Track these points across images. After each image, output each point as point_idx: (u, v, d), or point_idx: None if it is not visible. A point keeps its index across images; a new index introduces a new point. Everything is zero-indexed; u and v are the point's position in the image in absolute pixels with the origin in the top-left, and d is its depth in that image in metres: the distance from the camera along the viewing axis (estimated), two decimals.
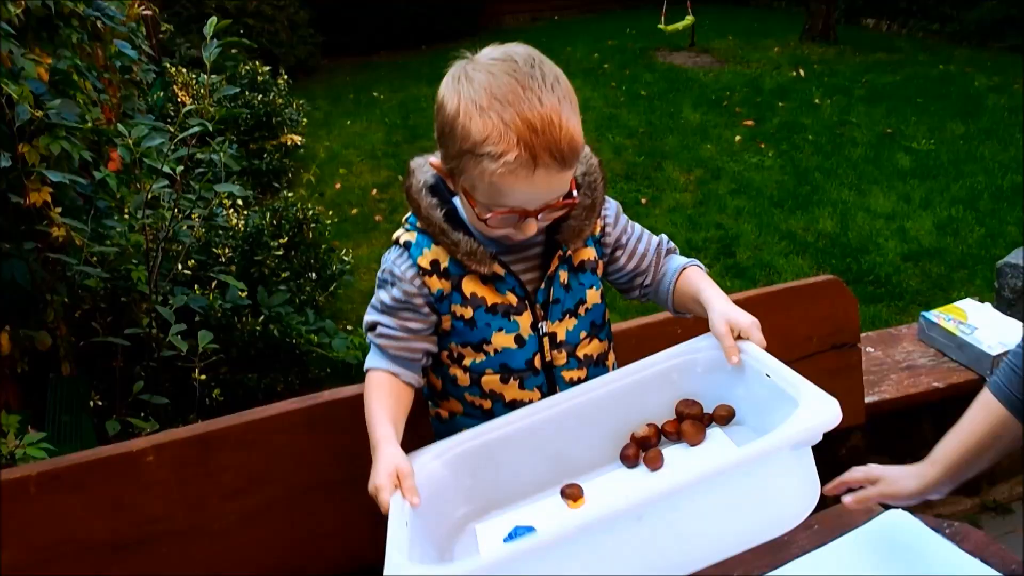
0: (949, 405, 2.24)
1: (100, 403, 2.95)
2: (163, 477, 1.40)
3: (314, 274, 3.79)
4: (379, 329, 1.25)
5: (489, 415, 1.27)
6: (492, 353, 1.25)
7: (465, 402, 1.30)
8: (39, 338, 2.75)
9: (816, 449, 1.99)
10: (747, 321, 1.20)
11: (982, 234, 4.50)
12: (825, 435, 1.07)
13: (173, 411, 2.96)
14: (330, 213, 4.53)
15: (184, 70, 5.25)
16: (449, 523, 1.18)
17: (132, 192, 2.93)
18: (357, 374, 3.80)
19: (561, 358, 1.27)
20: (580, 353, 1.29)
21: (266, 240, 3.55)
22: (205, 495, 1.43)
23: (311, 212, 3.79)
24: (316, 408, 1.49)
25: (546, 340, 1.26)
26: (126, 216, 2.89)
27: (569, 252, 1.25)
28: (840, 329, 1.88)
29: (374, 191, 5.49)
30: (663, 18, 8.45)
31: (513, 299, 1.24)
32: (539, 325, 1.25)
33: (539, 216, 1.14)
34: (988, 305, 2.31)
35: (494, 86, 1.06)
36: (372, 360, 1.26)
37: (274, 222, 3.68)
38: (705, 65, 8.14)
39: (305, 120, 6.17)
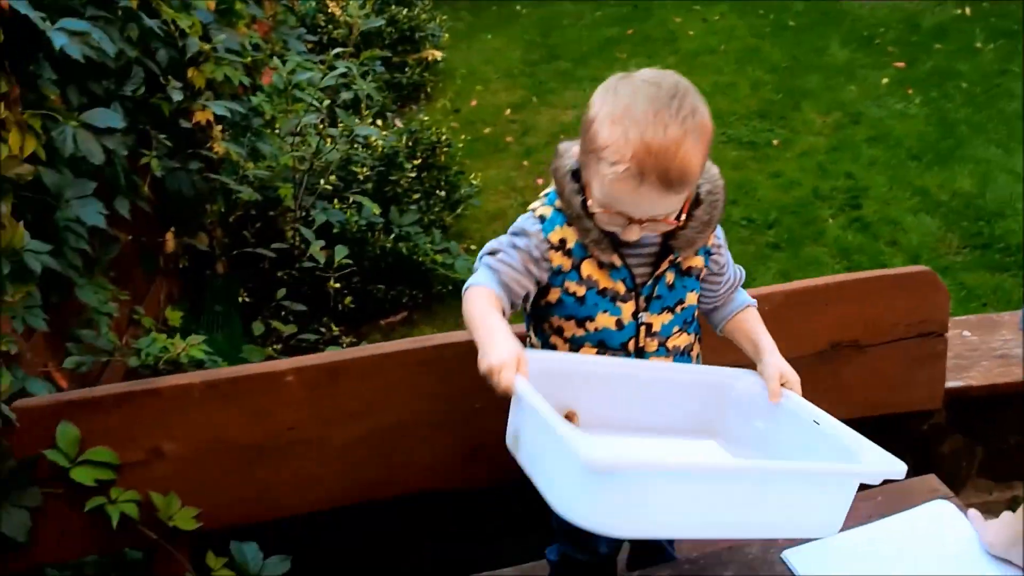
0: None
1: (248, 300, 3.31)
2: (299, 396, 1.66)
3: (444, 194, 4.03)
4: (500, 255, 1.39)
5: None
6: (593, 330, 1.43)
7: None
8: (198, 238, 3.10)
9: (898, 424, 2.09)
10: (796, 377, 1.42)
11: None
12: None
13: (310, 316, 3.30)
14: (462, 136, 4.71)
15: None
16: None
17: (282, 114, 3.20)
18: None
19: (652, 345, 1.44)
20: (670, 344, 1.46)
21: (401, 161, 3.79)
22: (331, 414, 1.69)
23: (444, 136, 3.99)
24: (428, 350, 1.71)
25: (642, 328, 1.43)
26: (277, 135, 3.17)
27: (680, 259, 1.41)
28: (929, 319, 1.94)
29: (507, 111, 5.63)
30: None
31: (622, 288, 1.41)
32: (639, 314, 1.42)
33: (642, 224, 1.29)
34: None
35: (632, 104, 1.22)
36: (480, 278, 1.38)
37: (409, 144, 3.91)
38: None
39: (447, 35, 6.31)
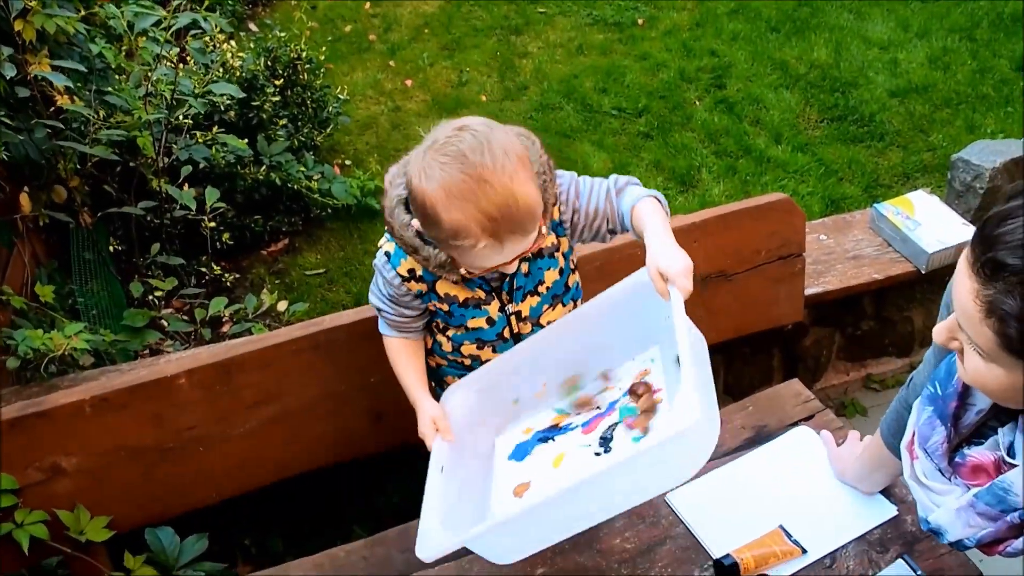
0: (888, 293, 2.52)
1: (120, 248, 3.19)
2: (195, 396, 1.68)
3: (312, 111, 3.89)
4: (383, 313, 1.55)
5: (469, 369, 1.56)
6: (467, 330, 1.51)
7: (449, 360, 1.59)
8: (55, 192, 2.95)
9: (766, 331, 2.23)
10: (676, 268, 1.25)
11: (973, 69, 4.51)
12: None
13: (187, 257, 3.22)
14: (322, 37, 4.51)
15: None
16: (484, 434, 1.58)
17: (128, 62, 2.99)
18: (357, 214, 3.96)
19: (526, 328, 1.52)
20: (543, 321, 1.53)
21: (262, 84, 3.62)
22: (231, 408, 1.72)
23: (305, 53, 3.82)
24: (319, 334, 1.74)
25: (513, 318, 1.50)
26: (126, 87, 2.97)
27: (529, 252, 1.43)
28: (788, 242, 2.08)
29: (367, 4, 5.39)
30: None
31: (481, 294, 1.47)
32: (506, 307, 1.49)
33: (514, 260, 1.34)
34: (936, 199, 2.48)
35: (450, 183, 1.21)
36: (383, 328, 1.59)
37: (268, 63, 3.73)
38: None
39: None
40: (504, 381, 1.53)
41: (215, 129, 3.35)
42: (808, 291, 2.29)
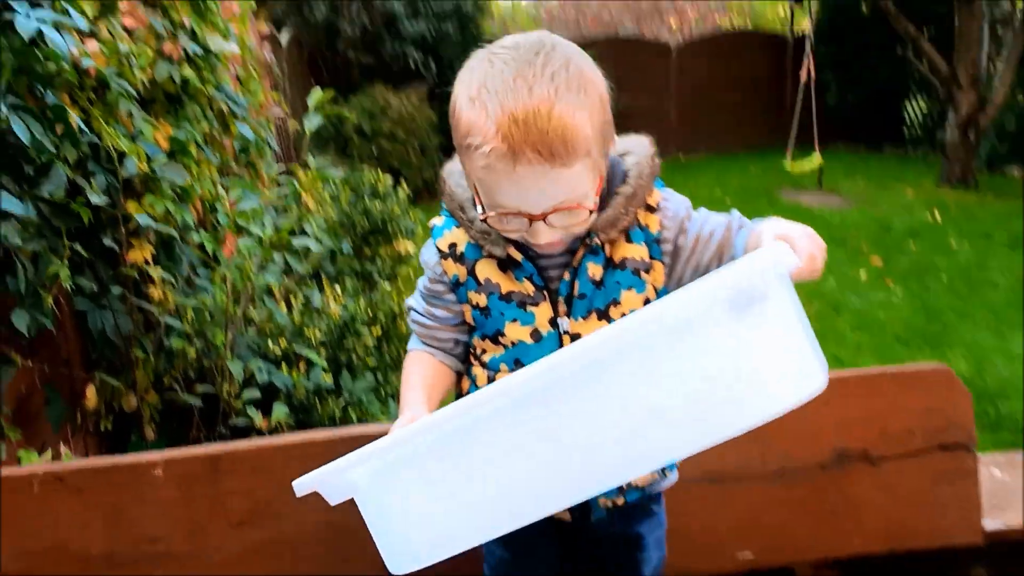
0: None
1: None
2: (168, 494, 1.31)
3: None
4: (412, 314, 1.24)
5: None
6: (508, 346, 1.13)
7: None
8: (126, 399, 2.78)
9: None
10: (800, 230, 0.97)
11: None
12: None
13: None
14: None
15: (311, 172, 5.49)
16: None
17: (224, 257, 3.00)
18: None
19: None
20: None
21: (358, 328, 3.54)
22: (209, 519, 1.32)
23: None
24: (339, 442, 1.37)
25: (567, 339, 1.12)
26: (216, 279, 2.95)
27: (598, 241, 1.11)
28: (950, 425, 1.62)
29: None
30: (789, 156, 8.36)
31: (530, 287, 1.12)
32: (559, 321, 1.12)
33: (547, 220, 1.02)
34: None
35: (488, 75, 0.99)
36: (412, 343, 1.25)
37: (369, 311, 3.69)
38: (832, 206, 7.94)
39: (422, 230, 6.33)
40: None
41: (302, 364, 3.24)
42: (987, 525, 1.74)
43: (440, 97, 9.16)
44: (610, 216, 1.10)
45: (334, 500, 1.02)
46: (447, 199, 1.15)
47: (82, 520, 1.28)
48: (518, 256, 1.11)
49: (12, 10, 1.81)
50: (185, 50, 2.77)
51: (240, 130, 3.41)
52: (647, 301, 1.14)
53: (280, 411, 2.87)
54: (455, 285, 1.16)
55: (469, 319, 1.17)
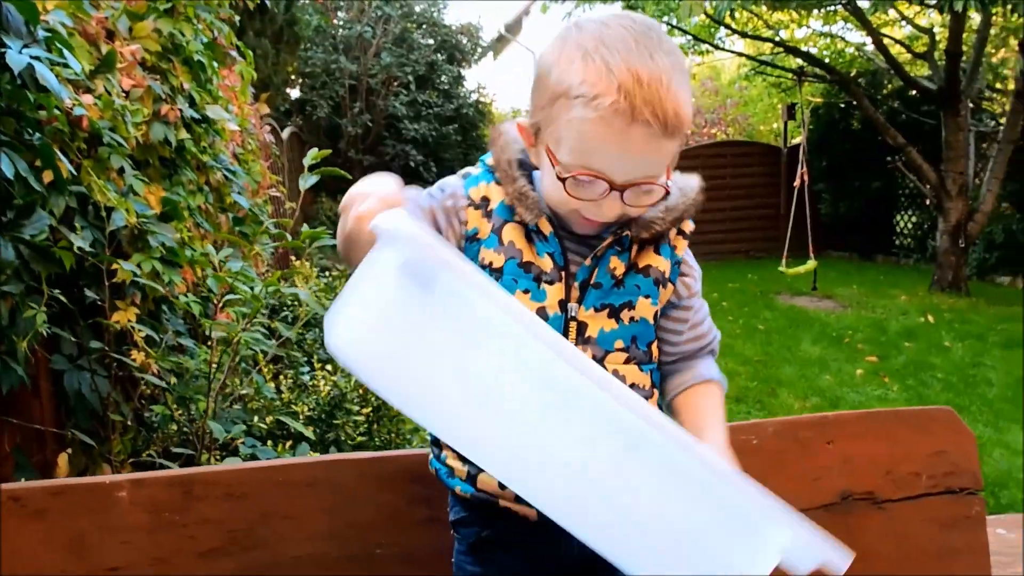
0: None
1: None
2: (134, 520, 1.22)
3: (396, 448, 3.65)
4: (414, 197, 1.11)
5: None
6: None
7: None
8: (100, 470, 2.67)
9: None
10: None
11: None
12: None
13: None
14: None
15: (307, 264, 5.49)
16: None
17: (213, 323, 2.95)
18: None
19: (586, 355, 1.06)
20: (609, 366, 1.08)
21: (348, 406, 3.46)
22: (177, 548, 1.24)
23: None
24: (319, 466, 1.31)
25: (573, 326, 1.08)
26: (206, 347, 2.89)
27: (628, 234, 1.08)
28: (957, 470, 1.56)
29: None
30: (784, 262, 8.43)
31: (549, 264, 1.08)
32: (569, 305, 1.08)
33: (623, 194, 0.99)
34: None
35: (606, 35, 0.97)
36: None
37: (360, 390, 3.62)
38: (827, 308, 7.96)
39: None
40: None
41: (288, 443, 3.15)
42: None
43: None
44: (647, 218, 1.08)
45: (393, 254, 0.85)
46: (499, 150, 1.11)
47: (40, 545, 1.19)
48: (547, 229, 1.08)
49: (4, 45, 1.82)
50: (182, 114, 2.80)
51: (236, 199, 3.43)
52: (656, 315, 1.13)
53: None
54: (471, 239, 1.10)
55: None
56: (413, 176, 9.09)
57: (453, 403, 0.89)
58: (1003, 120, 8.80)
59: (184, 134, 2.89)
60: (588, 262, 1.08)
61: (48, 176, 2.01)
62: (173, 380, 2.82)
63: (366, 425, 3.56)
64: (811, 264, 8.29)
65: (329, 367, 3.80)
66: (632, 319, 1.10)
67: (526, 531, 1.10)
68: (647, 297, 1.11)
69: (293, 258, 5.97)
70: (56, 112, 2.03)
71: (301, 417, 3.34)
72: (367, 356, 0.88)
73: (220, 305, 2.92)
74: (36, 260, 2.04)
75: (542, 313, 1.07)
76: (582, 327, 1.08)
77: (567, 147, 0.99)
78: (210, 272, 2.87)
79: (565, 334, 1.08)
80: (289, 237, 2.61)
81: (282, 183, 4.67)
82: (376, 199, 0.91)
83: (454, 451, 1.12)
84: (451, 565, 1.20)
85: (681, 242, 1.14)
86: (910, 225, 10.89)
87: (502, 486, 1.07)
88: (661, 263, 1.12)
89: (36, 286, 2.06)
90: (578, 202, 1.01)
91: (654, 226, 1.09)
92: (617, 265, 1.09)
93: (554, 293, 1.08)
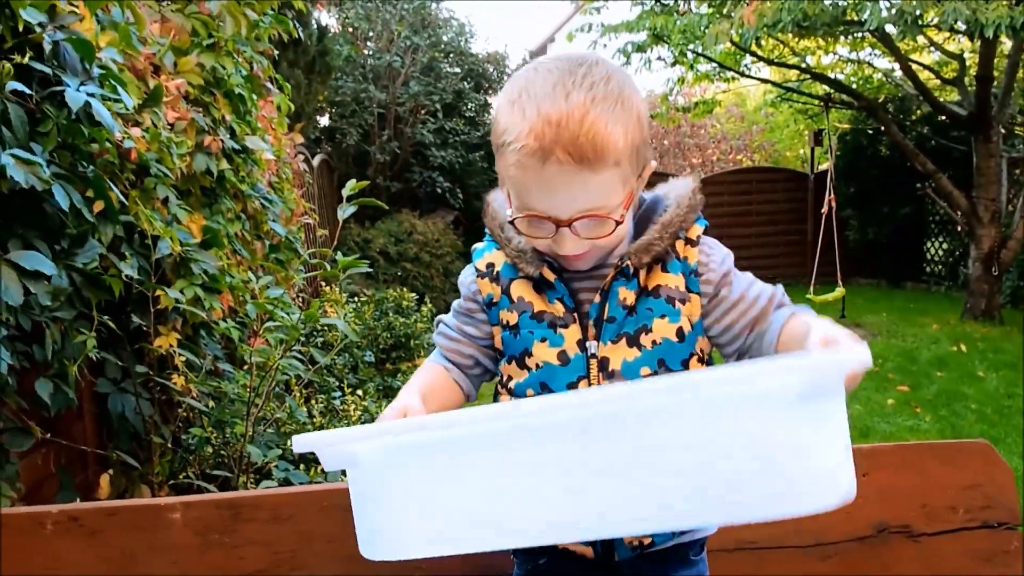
0: None
1: None
2: (184, 540, 1.27)
3: None
4: (440, 327, 1.26)
5: None
6: (534, 368, 1.12)
7: None
8: (140, 491, 2.72)
9: None
10: (845, 336, 0.94)
11: None
12: None
13: None
14: None
15: (336, 289, 5.57)
16: None
17: (252, 349, 3.01)
18: None
19: None
20: None
21: None
22: (225, 568, 1.27)
23: None
24: None
25: (594, 363, 1.10)
26: (242, 371, 2.95)
27: (630, 264, 1.11)
28: (993, 504, 1.56)
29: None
30: (812, 289, 8.40)
31: (560, 309, 1.12)
32: (588, 345, 1.11)
33: (572, 227, 1.03)
34: None
35: (530, 83, 1.03)
36: (431, 357, 1.27)
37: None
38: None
39: None
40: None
41: (320, 468, 3.19)
42: None
43: (465, 223, 9.40)
44: (644, 241, 1.11)
45: (329, 466, 0.99)
46: (489, 219, 1.19)
47: (94, 562, 1.24)
48: (551, 277, 1.12)
49: (63, 83, 1.90)
50: (224, 144, 2.87)
51: (272, 227, 3.50)
52: (680, 331, 1.12)
53: None
54: (488, 305, 1.18)
55: (498, 343, 1.17)
56: (439, 201, 9.18)
57: (474, 516, 0.94)
58: None
59: (224, 164, 2.97)
60: (597, 298, 1.12)
61: (99, 206, 2.08)
62: (211, 404, 2.88)
63: None
64: (839, 292, 8.25)
65: (360, 392, 3.85)
66: (654, 342, 1.11)
67: (586, 568, 1.13)
68: (663, 317, 1.11)
69: (323, 283, 6.06)
70: (108, 145, 2.11)
71: None
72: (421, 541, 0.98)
73: (259, 332, 2.98)
74: (87, 287, 2.11)
75: (563, 356, 1.11)
76: (604, 362, 1.10)
77: (511, 192, 1.06)
78: (248, 298, 2.94)
79: (587, 372, 1.11)
80: (327, 265, 2.66)
81: (314, 210, 4.75)
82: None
83: None
84: None
85: (691, 250, 1.15)
86: (941, 252, 10.79)
87: None
88: (672, 280, 1.13)
89: (86, 312, 2.13)
90: (539, 241, 1.07)
91: (653, 248, 1.11)
92: (627, 295, 1.11)
93: (571, 335, 1.11)
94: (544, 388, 1.11)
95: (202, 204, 2.96)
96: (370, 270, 3.57)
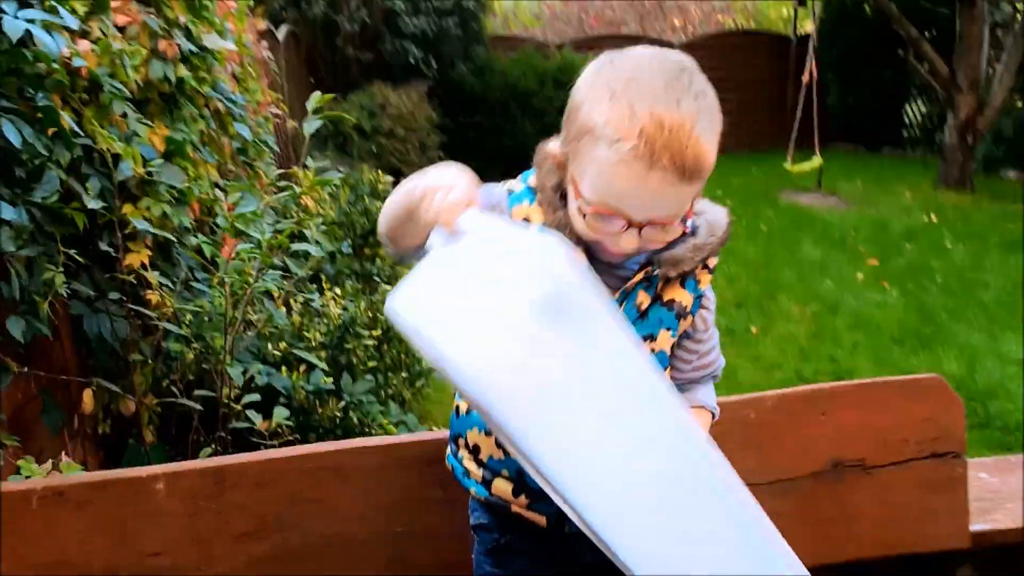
0: None
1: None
2: (171, 508, 1.32)
3: (404, 372, 3.75)
4: None
5: None
6: None
7: None
8: (123, 403, 2.77)
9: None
10: None
11: None
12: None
13: None
14: None
15: (310, 173, 5.46)
16: None
17: (222, 259, 3.00)
18: None
19: None
20: None
21: (358, 330, 3.55)
22: (214, 533, 1.33)
23: None
24: (343, 453, 1.39)
25: None
26: (216, 284, 2.95)
27: (658, 272, 1.12)
28: (943, 435, 1.64)
29: None
30: (790, 159, 8.37)
31: None
32: None
33: (641, 231, 1.03)
34: None
35: (637, 75, 0.99)
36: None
37: (370, 313, 3.69)
38: (831, 206, 7.96)
39: None
40: None
41: (303, 368, 3.24)
42: (974, 527, 1.77)
43: (440, 94, 9.17)
44: (677, 255, 1.11)
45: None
46: (544, 175, 1.13)
47: (84, 535, 1.29)
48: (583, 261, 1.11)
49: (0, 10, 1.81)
50: (180, 48, 2.76)
51: (238, 130, 3.41)
52: (672, 345, 1.17)
53: (280, 414, 2.87)
54: None
55: None
56: (413, 72, 8.90)
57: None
58: (1021, 7, 8.55)
59: (183, 71, 2.86)
60: (617, 295, 1.12)
61: (51, 131, 2.02)
62: (188, 317, 2.89)
63: (375, 347, 3.65)
64: (816, 162, 8.23)
65: (338, 290, 3.87)
66: (652, 351, 1.15)
67: (539, 538, 1.19)
68: (668, 330, 1.15)
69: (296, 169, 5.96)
70: (55, 66, 2.02)
71: (314, 342, 3.44)
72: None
73: (232, 252, 2.95)
74: (50, 222, 2.08)
75: None
76: None
77: (589, 183, 1.02)
78: (218, 210, 2.91)
79: None
80: (294, 187, 2.62)
81: (282, 100, 4.61)
82: (459, 193, 0.99)
83: (470, 453, 1.20)
84: (467, 539, 1.29)
85: (705, 276, 1.17)
86: (919, 117, 10.73)
87: (515, 493, 1.15)
88: (685, 297, 1.15)
89: (51, 245, 2.10)
90: (600, 234, 1.05)
91: (682, 265, 1.12)
92: (644, 299, 1.13)
93: None
94: None
95: (162, 111, 2.87)
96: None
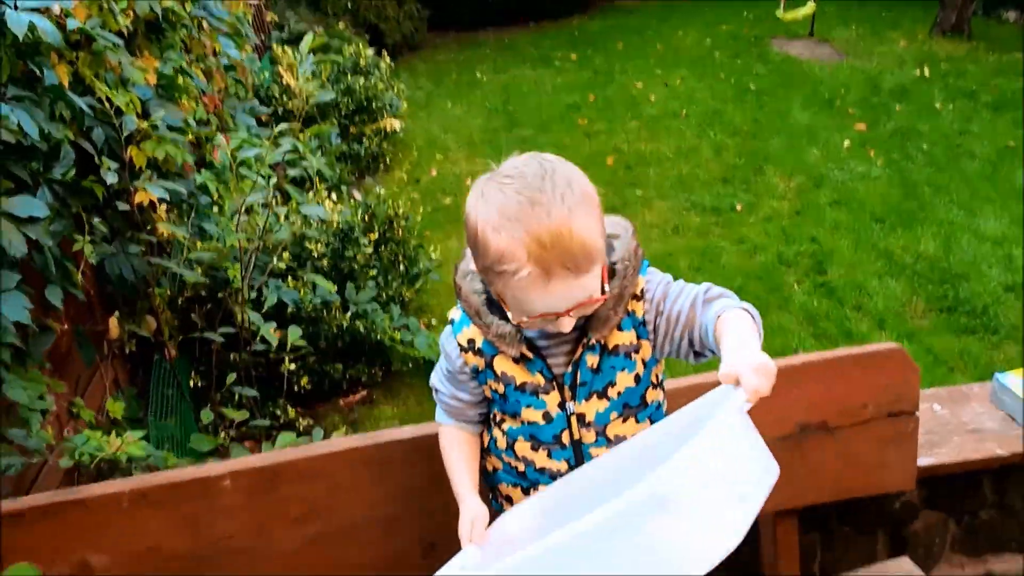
0: (1013, 475, 2.22)
1: (200, 384, 3.17)
2: (237, 501, 1.55)
3: (403, 269, 3.94)
4: (438, 395, 1.46)
5: (523, 476, 1.40)
6: (523, 423, 1.36)
7: (503, 461, 1.43)
8: (145, 323, 2.97)
9: (869, 502, 2.00)
10: (747, 361, 1.06)
11: None
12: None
13: (263, 398, 3.17)
14: (422, 207, 4.65)
15: (288, 50, 5.36)
16: None
17: (228, 192, 3.12)
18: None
19: (590, 436, 1.35)
20: (610, 433, 1.35)
21: (356, 236, 3.70)
22: (272, 520, 1.58)
23: (402, 210, 3.93)
24: (375, 448, 1.61)
25: (574, 419, 1.34)
26: (223, 217, 3.08)
27: (595, 340, 1.30)
28: (900, 398, 1.87)
29: (468, 180, 5.58)
30: (782, 5, 8.19)
31: (541, 380, 1.33)
32: (567, 405, 1.33)
33: (571, 313, 1.20)
34: None
35: (505, 205, 1.12)
36: (439, 416, 1.48)
37: (365, 218, 3.84)
38: (823, 57, 7.88)
39: (405, 104, 6.31)
40: (571, 503, 1.34)
41: (306, 274, 3.41)
42: (921, 462, 2.03)
43: None
44: (602, 316, 1.27)
45: None
46: (465, 304, 1.32)
47: (167, 526, 1.53)
48: (530, 355, 1.31)
49: (2, 3, 1.87)
50: None
51: (224, 47, 3.43)
52: (637, 376, 1.34)
53: (294, 333, 3.09)
54: (475, 372, 1.37)
55: (489, 395, 1.39)
56: None
57: None
58: None
59: (168, 1, 2.88)
60: (569, 369, 1.31)
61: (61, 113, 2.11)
62: (199, 244, 3.04)
63: (372, 249, 3.80)
64: (810, 8, 8.08)
65: (334, 196, 3.99)
66: (619, 393, 1.34)
67: None
68: (623, 370, 1.33)
69: (274, 45, 5.85)
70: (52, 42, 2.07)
71: (315, 253, 3.60)
72: None
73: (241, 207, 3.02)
74: (70, 195, 2.21)
75: (547, 416, 1.34)
76: (581, 417, 1.34)
77: (510, 304, 1.21)
78: (216, 143, 2.99)
79: (568, 425, 1.34)
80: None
81: None
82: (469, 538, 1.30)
83: (507, 503, 1.45)
84: None
85: (637, 304, 1.31)
86: None
87: None
88: (626, 336, 1.32)
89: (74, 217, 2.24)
90: (534, 324, 1.23)
91: (611, 322, 1.27)
92: (592, 360, 1.31)
93: (552, 399, 1.33)
94: (532, 438, 1.36)
95: (149, 41, 2.90)
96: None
